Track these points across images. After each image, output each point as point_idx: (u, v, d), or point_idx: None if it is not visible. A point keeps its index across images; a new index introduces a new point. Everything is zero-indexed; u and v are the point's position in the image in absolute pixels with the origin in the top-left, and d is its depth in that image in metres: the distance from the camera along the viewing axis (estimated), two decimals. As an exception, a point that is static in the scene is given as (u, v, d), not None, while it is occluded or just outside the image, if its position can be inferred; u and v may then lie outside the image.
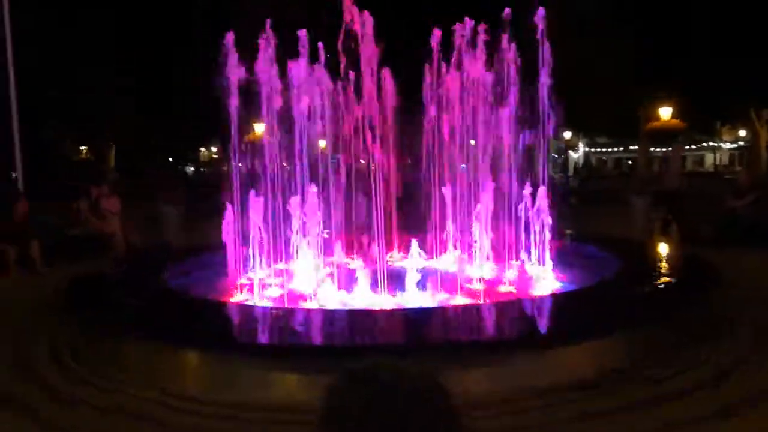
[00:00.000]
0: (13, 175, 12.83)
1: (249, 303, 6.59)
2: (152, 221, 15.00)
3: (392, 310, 6.01)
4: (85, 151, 42.85)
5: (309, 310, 6.03)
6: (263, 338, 4.95)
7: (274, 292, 7.11)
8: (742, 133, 38.01)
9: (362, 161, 9.20)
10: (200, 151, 50.31)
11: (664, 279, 6.53)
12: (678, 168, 13.33)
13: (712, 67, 24.66)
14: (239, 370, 4.74)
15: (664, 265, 7.36)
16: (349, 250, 8.79)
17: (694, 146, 45.08)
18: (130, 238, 12.75)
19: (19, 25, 14.87)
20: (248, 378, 4.66)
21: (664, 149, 32.82)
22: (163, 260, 8.39)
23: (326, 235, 8.54)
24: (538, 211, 7.70)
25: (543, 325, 5.18)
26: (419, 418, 1.50)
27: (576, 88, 23.91)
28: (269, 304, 6.62)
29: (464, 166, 9.06)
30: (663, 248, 8.69)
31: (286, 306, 6.35)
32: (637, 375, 4.75)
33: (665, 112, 22.52)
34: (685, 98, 22.64)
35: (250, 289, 7.26)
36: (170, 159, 47.72)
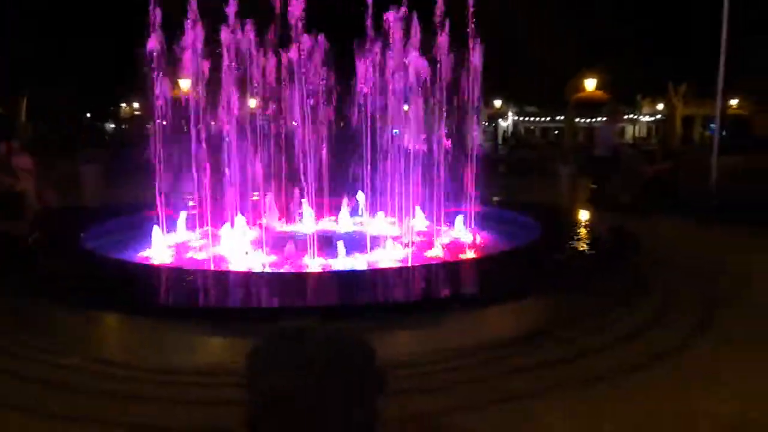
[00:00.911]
0: None
1: (169, 265, 6.37)
2: (72, 180, 14.26)
3: (317, 273, 5.98)
4: (-8, 103, 39.95)
5: (232, 272, 5.89)
6: (184, 301, 4.79)
7: (200, 255, 6.91)
8: (660, 106, 39.78)
9: (294, 123, 9.01)
10: (121, 107, 47.78)
11: (584, 245, 6.80)
12: (610, 136, 13.78)
13: (637, 43, 25.57)
14: (161, 335, 4.60)
15: (585, 231, 7.66)
16: (280, 213, 8.66)
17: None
18: (45, 197, 12.04)
19: None
20: (171, 342, 4.53)
21: (591, 119, 33.97)
22: (80, 221, 7.98)
23: (255, 197, 8.39)
24: (466, 177, 7.80)
25: (467, 287, 5.29)
26: (341, 376, 1.51)
27: (507, 57, 24.33)
28: (191, 266, 6.42)
29: (397, 130, 9.03)
30: (586, 215, 9.02)
31: (210, 269, 6.19)
32: (555, 335, 4.97)
33: (590, 84, 23.23)
34: (609, 71, 23.42)
35: (176, 253, 7.06)
36: (88, 114, 45.23)
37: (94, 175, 14.55)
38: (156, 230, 7.14)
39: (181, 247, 7.27)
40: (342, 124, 9.55)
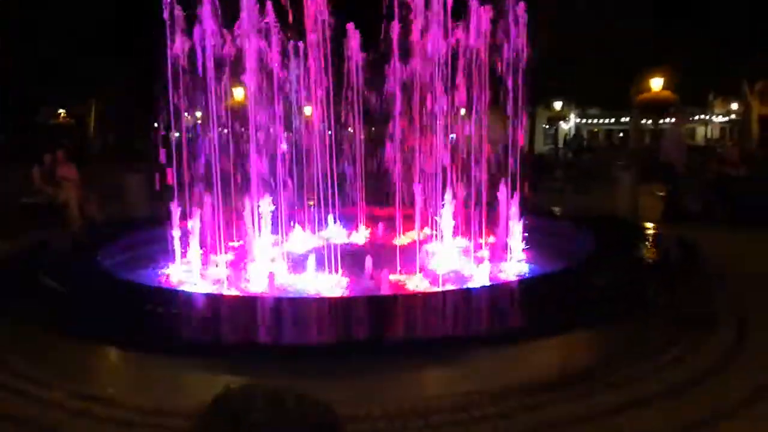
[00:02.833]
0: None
1: (170, 287, 5.86)
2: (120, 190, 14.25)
3: (329, 299, 5.37)
4: (63, 114, 41.63)
5: (232, 298, 5.33)
6: (177, 333, 4.30)
7: (218, 272, 6.46)
8: (734, 106, 37.30)
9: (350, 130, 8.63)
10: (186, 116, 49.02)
11: (643, 264, 5.97)
12: (678, 141, 12.38)
13: (707, 40, 23.85)
14: (152, 369, 4.14)
15: (645, 248, 6.79)
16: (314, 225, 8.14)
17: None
18: (87, 208, 12.03)
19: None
20: (161, 379, 4.06)
21: (660, 122, 32.17)
22: (104, 236, 7.73)
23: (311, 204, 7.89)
24: (515, 184, 7.07)
25: (500, 317, 4.59)
26: None
27: (569, 57, 23.14)
28: (201, 288, 5.93)
29: (453, 135, 8.36)
30: (648, 228, 8.07)
31: (211, 292, 5.68)
32: (602, 378, 4.21)
33: (656, 84, 21.78)
34: (677, 69, 21.92)
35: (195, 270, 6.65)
36: (156, 125, 46.39)
37: (139, 185, 14.51)
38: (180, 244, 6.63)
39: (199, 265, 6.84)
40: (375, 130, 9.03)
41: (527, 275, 6.19)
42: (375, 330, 4.25)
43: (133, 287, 5.30)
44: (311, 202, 8.06)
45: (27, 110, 34.09)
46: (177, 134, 8.22)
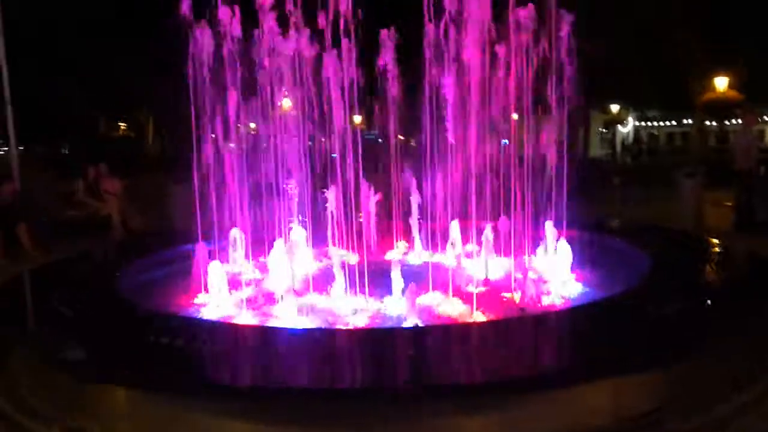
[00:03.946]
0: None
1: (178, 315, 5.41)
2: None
3: (351, 332, 4.83)
4: (123, 127, 42.89)
5: (240, 328, 4.84)
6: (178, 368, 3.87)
7: (241, 294, 6.05)
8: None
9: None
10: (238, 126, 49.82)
11: (710, 287, 5.26)
12: (748, 145, 11.26)
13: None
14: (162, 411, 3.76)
15: (713, 266, 6.06)
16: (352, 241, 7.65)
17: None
18: (130, 221, 12.03)
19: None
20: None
21: (724, 122, 30.35)
22: (136, 251, 7.54)
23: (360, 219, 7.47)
24: (559, 194, 6.45)
25: (545, 355, 4.00)
26: None
27: (625, 57, 21.97)
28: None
29: (506, 141, 7.80)
30: (716, 242, 7.21)
31: (217, 321, 5.24)
32: (667, 424, 3.59)
33: (721, 83, 20.47)
34: (744, 66, 20.53)
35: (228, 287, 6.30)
36: (213, 135, 47.23)
37: (184, 195, 14.46)
38: (215, 267, 6.26)
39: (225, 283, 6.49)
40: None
41: (578, 302, 5.53)
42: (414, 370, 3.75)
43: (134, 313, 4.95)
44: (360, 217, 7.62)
45: (88, 124, 35.34)
46: (232, 145, 8.11)
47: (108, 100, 29.83)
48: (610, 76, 22.43)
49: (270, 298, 5.79)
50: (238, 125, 7.86)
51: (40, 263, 8.30)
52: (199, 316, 5.47)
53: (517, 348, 4.11)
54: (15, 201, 10.57)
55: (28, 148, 41.99)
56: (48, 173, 15.31)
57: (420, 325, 4.89)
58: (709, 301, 4.94)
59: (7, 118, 11.33)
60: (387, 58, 7.37)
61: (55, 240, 10.53)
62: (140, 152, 34.92)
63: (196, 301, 6.00)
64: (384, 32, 7.32)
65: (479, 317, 5.19)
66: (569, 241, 6.17)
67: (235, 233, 6.98)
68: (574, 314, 4.89)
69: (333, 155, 7.05)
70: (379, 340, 4.36)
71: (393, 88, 7.73)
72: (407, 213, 7.84)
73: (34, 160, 31.90)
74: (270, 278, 6.24)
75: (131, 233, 11.74)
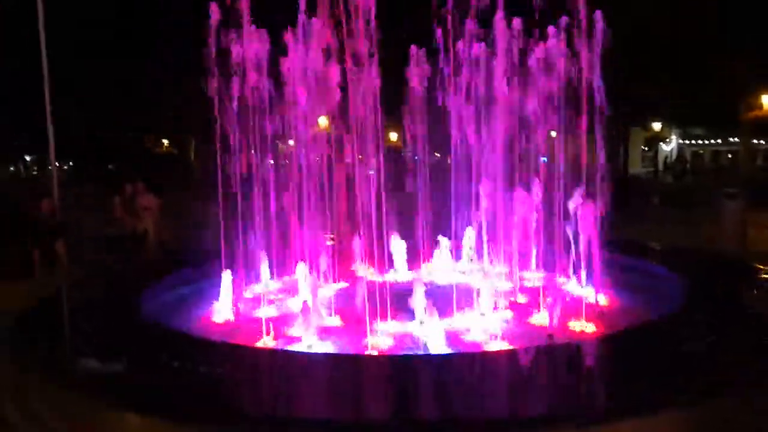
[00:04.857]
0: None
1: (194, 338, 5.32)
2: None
3: (357, 359, 4.70)
4: (166, 144, 43.80)
5: (255, 352, 4.80)
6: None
7: (265, 312, 6.04)
8: None
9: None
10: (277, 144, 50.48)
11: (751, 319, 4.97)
12: None
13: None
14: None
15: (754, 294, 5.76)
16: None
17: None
18: (162, 237, 12.23)
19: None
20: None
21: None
22: (164, 268, 7.62)
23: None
24: (591, 215, 6.21)
25: (572, 391, 3.75)
26: None
27: (667, 73, 21.38)
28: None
29: (545, 158, 7.67)
30: (759, 269, 6.84)
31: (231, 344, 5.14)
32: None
33: (769, 100, 19.80)
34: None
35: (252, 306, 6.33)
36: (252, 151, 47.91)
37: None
38: (225, 281, 6.35)
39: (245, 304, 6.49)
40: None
41: (607, 332, 5.28)
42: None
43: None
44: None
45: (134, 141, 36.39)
46: (271, 161, 8.26)
47: (157, 123, 30.88)
48: (651, 91, 21.90)
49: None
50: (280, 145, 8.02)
51: (70, 282, 8.34)
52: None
53: (531, 384, 3.92)
54: (53, 218, 10.83)
55: (77, 165, 43.47)
56: (91, 190, 15.72)
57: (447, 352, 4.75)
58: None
59: (49, 137, 11.64)
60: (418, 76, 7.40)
61: (89, 256, 10.74)
62: (185, 169, 35.57)
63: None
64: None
65: (504, 345, 5.01)
66: (599, 263, 5.94)
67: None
68: (593, 345, 4.69)
69: (371, 171, 7.10)
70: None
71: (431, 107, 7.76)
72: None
73: (83, 177, 33.02)
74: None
75: (165, 249, 11.93)
